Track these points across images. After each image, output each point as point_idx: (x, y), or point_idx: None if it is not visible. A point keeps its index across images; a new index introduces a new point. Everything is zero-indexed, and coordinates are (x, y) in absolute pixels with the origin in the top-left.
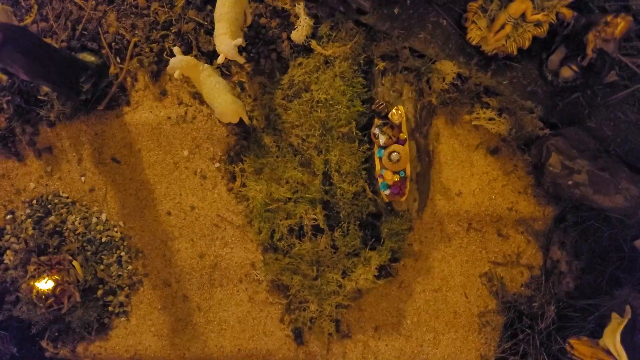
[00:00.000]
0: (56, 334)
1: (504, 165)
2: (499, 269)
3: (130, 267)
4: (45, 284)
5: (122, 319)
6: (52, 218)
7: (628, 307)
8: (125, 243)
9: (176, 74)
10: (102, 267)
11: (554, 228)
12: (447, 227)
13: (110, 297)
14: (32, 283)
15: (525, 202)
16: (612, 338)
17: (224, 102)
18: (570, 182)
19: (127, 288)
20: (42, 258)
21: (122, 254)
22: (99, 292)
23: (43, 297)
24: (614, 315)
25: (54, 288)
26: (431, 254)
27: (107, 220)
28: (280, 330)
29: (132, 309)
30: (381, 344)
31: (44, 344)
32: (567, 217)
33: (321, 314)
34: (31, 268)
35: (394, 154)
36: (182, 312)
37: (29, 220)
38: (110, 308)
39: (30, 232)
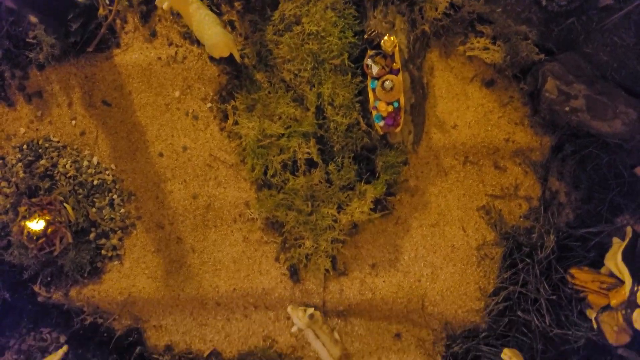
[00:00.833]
0: (49, 279)
1: (499, 97)
2: (497, 201)
3: (122, 210)
4: (36, 224)
5: (116, 262)
6: (43, 162)
7: (629, 228)
8: (117, 186)
9: (165, 6)
10: (94, 209)
11: (551, 158)
12: (443, 161)
13: (103, 241)
14: (23, 223)
15: (522, 132)
16: (614, 259)
17: (214, 34)
18: (567, 108)
19: (119, 231)
20: (33, 199)
21: (114, 197)
22: (92, 235)
23: (34, 237)
24: (615, 239)
25: (46, 228)
26: (427, 188)
27: (98, 163)
28: (276, 269)
29: (126, 252)
30: (378, 280)
31: (36, 288)
32: (565, 146)
33: (317, 250)
34: (22, 209)
35: (387, 82)
36: (176, 254)
37: (20, 164)
38: (103, 252)
39: (21, 175)
